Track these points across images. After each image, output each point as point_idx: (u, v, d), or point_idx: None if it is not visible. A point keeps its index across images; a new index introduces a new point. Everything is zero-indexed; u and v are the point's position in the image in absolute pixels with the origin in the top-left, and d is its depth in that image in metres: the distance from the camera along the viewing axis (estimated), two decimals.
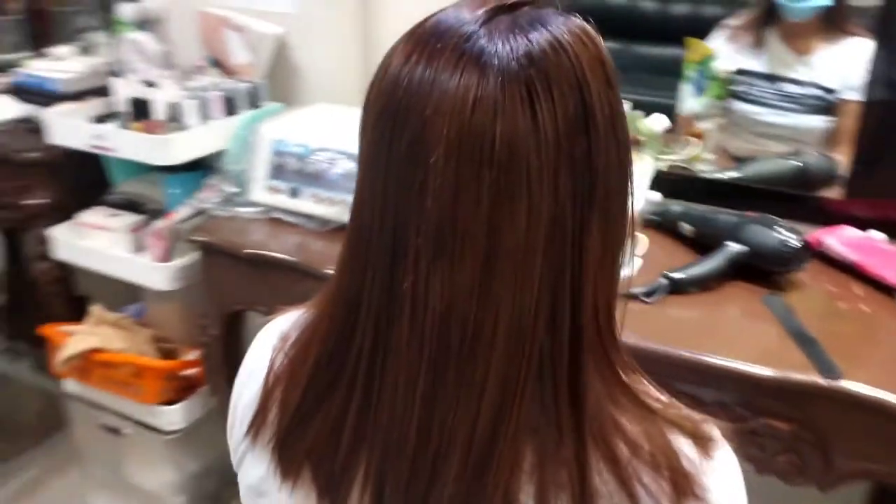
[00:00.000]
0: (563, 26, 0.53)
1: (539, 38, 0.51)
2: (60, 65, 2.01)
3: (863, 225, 1.37)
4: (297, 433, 0.60)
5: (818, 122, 1.52)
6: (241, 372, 0.70)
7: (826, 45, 1.51)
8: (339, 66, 1.73)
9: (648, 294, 1.23)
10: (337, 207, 1.43)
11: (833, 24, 1.49)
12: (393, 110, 0.52)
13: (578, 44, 0.53)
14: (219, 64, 1.77)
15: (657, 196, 1.50)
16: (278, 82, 1.76)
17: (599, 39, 0.55)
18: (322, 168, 1.45)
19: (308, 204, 1.46)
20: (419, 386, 0.53)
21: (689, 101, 1.63)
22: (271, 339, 0.66)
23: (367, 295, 0.55)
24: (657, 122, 1.40)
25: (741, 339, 1.15)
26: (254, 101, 1.68)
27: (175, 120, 1.58)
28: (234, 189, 1.55)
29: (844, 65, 1.49)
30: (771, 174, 1.44)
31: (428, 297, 0.52)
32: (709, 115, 1.62)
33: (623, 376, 0.57)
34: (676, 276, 1.24)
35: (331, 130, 1.50)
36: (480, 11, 0.53)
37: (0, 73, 2.12)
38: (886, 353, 1.13)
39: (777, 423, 1.07)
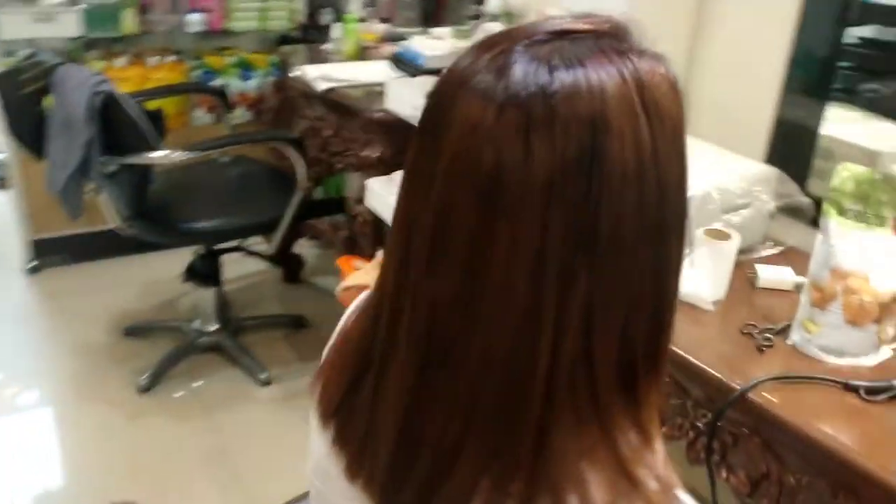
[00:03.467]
0: (607, 66, 0.51)
1: (565, 73, 0.50)
2: (435, 43, 2.30)
3: None
4: (340, 412, 0.64)
5: None
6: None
7: None
8: None
9: (872, 391, 1.05)
10: None
11: None
12: (429, 109, 0.55)
13: (615, 87, 0.50)
14: None
15: None
16: None
17: (659, 89, 0.52)
18: None
19: None
20: (407, 382, 0.56)
21: None
22: (353, 307, 0.73)
23: (388, 287, 0.58)
24: None
25: None
26: None
27: None
28: None
29: None
30: None
31: (423, 298, 0.54)
32: None
33: (615, 436, 0.54)
34: None
35: None
36: (543, 31, 0.52)
37: (391, 43, 2.50)
38: None
39: None
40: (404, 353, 0.56)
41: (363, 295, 0.73)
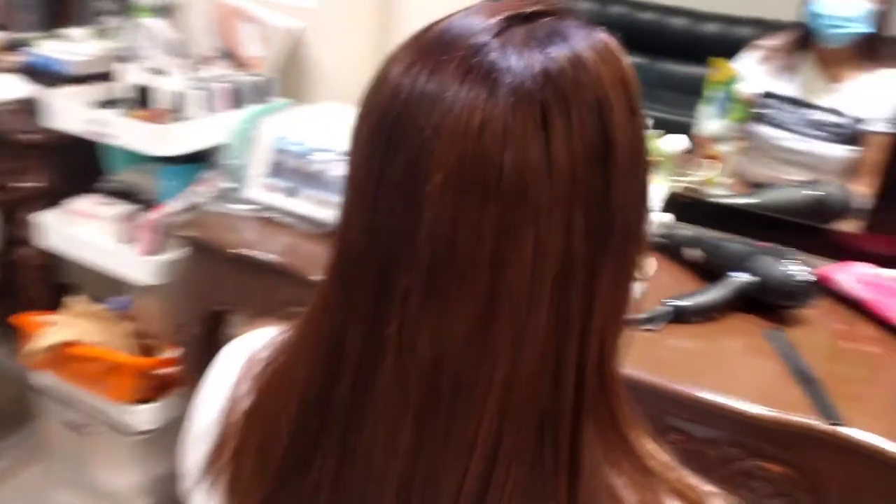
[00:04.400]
0: (585, 41, 0.47)
1: (558, 53, 0.45)
2: (72, 46, 1.98)
3: (879, 262, 1.31)
4: (276, 496, 0.53)
5: (842, 151, 1.49)
6: (204, 388, 0.65)
7: (859, 74, 1.47)
8: (355, 65, 1.69)
9: (649, 321, 1.17)
10: (331, 210, 1.39)
11: (868, 53, 1.46)
12: (387, 127, 0.46)
13: (600, 61, 0.47)
14: (231, 55, 1.73)
15: (669, 218, 1.45)
16: (290, 78, 1.73)
17: (624, 57, 0.49)
18: (321, 169, 1.40)
19: (304, 205, 1.42)
20: (401, 440, 0.48)
21: (709, 122, 1.58)
22: (238, 358, 0.60)
23: (348, 337, 0.49)
24: (674, 143, 1.34)
25: (740, 374, 1.09)
26: (262, 95, 1.65)
27: (179, 110, 1.54)
28: (230, 185, 1.51)
29: (875, 95, 1.46)
30: (788, 203, 1.38)
31: (417, 341, 0.46)
32: (728, 137, 1.57)
33: (626, 434, 0.51)
34: (680, 304, 1.18)
35: (334, 130, 1.46)
36: (494, 20, 0.47)
37: (12, 52, 2.10)
38: (889, 398, 1.07)
39: (770, 466, 1.01)
40: (395, 404, 0.48)
41: (250, 344, 0.61)
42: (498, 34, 0.46)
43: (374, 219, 0.47)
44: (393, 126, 0.46)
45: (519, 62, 0.44)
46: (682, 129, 1.55)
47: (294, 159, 1.43)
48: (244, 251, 1.34)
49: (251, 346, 0.60)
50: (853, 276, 1.26)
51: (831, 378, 1.04)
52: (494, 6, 0.49)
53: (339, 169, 1.39)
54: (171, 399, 1.67)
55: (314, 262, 1.31)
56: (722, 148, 1.56)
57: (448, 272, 0.45)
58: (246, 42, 1.70)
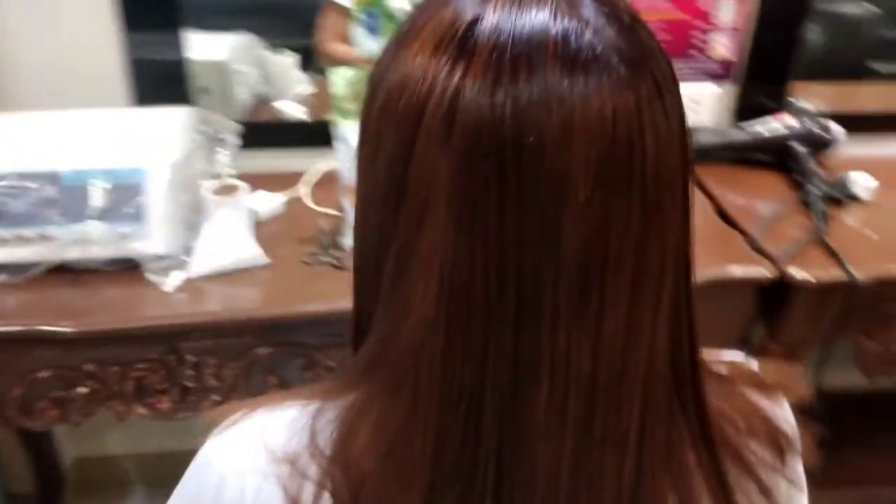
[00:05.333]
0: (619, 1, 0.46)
1: (623, 17, 0.44)
2: None
3: None
4: None
5: None
6: None
7: None
8: None
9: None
10: (35, 247, 1.11)
11: None
12: (496, 147, 0.41)
13: (639, 15, 0.46)
14: None
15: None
16: None
17: None
18: (2, 200, 1.11)
19: None
20: (564, 460, 0.46)
21: (366, 43, 1.58)
22: (258, 466, 0.49)
23: (488, 385, 0.44)
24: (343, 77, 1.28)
25: None
26: None
27: None
28: None
29: None
30: None
31: (570, 357, 0.44)
32: None
33: (702, 358, 0.54)
34: None
35: None
36: (544, 3, 0.43)
37: None
38: None
39: None
40: (553, 429, 0.45)
41: (261, 442, 0.50)
42: (565, 15, 0.42)
43: (500, 246, 0.42)
44: (503, 145, 0.41)
45: (614, 36, 0.42)
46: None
47: None
48: None
49: (268, 442, 0.50)
50: None
51: None
52: None
53: (29, 195, 1.11)
54: None
55: (34, 313, 1.08)
56: None
57: (599, 275, 0.43)
58: None
